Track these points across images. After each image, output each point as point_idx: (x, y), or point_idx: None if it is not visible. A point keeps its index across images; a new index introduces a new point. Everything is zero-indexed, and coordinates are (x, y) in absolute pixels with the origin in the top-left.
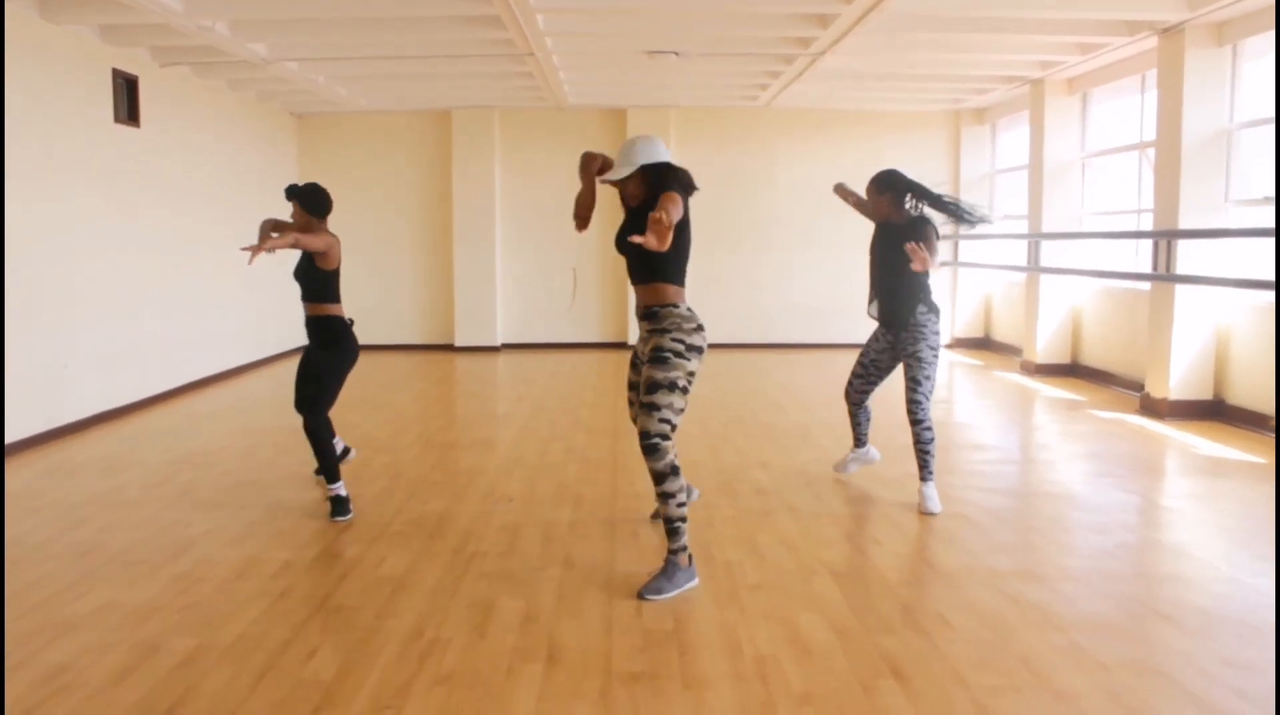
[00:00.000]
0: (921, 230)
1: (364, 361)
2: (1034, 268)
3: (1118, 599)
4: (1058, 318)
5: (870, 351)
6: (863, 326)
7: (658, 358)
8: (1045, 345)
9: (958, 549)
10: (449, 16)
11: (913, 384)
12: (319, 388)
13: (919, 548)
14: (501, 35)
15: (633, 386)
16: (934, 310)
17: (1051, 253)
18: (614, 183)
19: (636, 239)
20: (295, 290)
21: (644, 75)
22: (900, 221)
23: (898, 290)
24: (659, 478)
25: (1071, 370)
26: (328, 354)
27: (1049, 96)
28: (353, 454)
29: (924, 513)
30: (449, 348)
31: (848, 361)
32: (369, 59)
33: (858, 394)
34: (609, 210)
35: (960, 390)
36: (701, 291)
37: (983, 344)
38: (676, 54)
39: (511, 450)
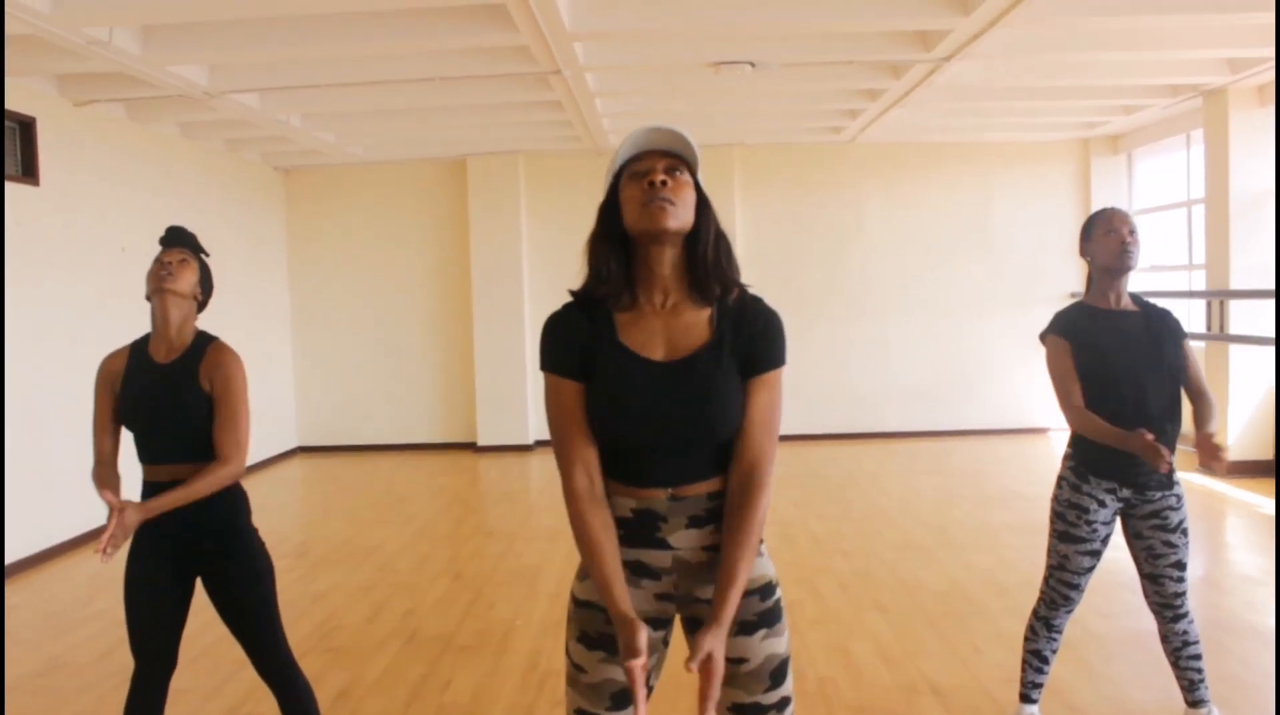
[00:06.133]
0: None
1: (352, 470)
2: (1221, 336)
3: None
4: (1255, 400)
5: (1093, 523)
6: (980, 410)
7: None
8: (1239, 436)
9: None
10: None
11: (1175, 568)
12: (253, 618)
13: None
14: (516, 41)
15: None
16: None
17: (1243, 315)
18: (647, 162)
19: None
20: (283, 373)
21: (704, 105)
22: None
23: (1161, 410)
24: None
25: (1276, 469)
26: (236, 562)
27: (1234, 110)
28: None
29: None
30: (470, 447)
31: (966, 453)
32: (348, 88)
33: (1077, 595)
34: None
35: None
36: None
37: None
38: (752, 64)
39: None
